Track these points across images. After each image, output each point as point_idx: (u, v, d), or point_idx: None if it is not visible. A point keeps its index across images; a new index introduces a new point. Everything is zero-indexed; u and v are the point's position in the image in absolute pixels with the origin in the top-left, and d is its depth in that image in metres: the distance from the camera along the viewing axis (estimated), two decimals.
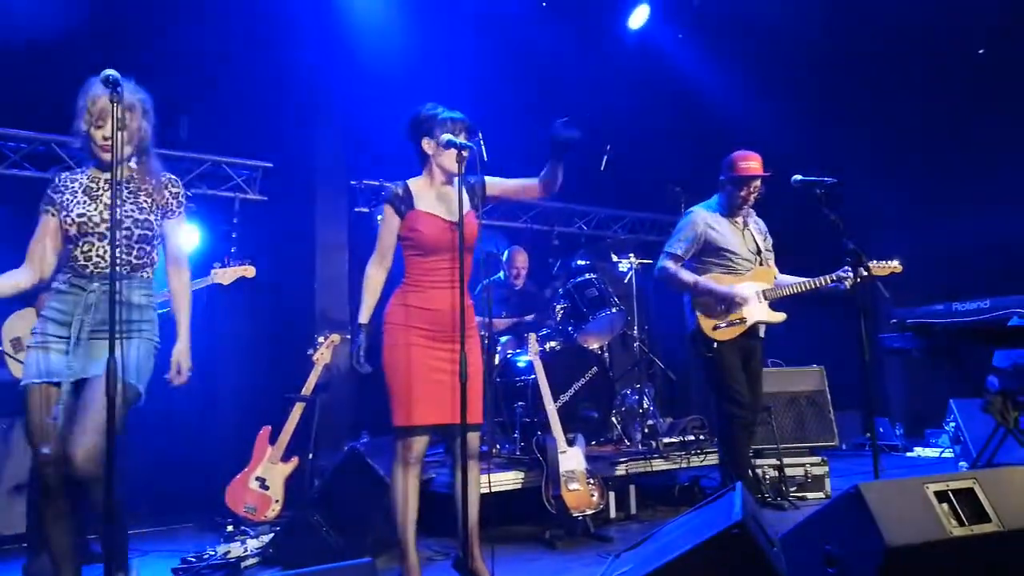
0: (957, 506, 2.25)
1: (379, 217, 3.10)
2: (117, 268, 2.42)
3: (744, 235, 4.21)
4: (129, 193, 2.69)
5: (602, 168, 6.63)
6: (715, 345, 4.03)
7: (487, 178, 3.12)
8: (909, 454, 6.96)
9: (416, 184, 3.06)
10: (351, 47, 5.87)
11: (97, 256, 2.65)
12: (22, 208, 3.04)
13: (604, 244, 6.81)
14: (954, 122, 7.12)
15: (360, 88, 5.95)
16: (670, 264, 4.14)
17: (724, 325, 4.05)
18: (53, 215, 2.70)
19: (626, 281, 5.96)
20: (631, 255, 5.97)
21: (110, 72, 2.31)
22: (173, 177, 2.86)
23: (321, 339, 4.78)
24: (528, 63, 6.85)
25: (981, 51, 7.05)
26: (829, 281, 4.04)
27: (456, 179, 2.94)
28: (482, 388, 3.13)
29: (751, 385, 4.12)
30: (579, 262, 7.15)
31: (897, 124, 7.32)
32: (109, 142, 2.48)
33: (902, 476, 2.58)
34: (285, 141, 5.74)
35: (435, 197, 3.05)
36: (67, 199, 2.68)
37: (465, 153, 2.83)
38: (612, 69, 7.48)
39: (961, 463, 5.39)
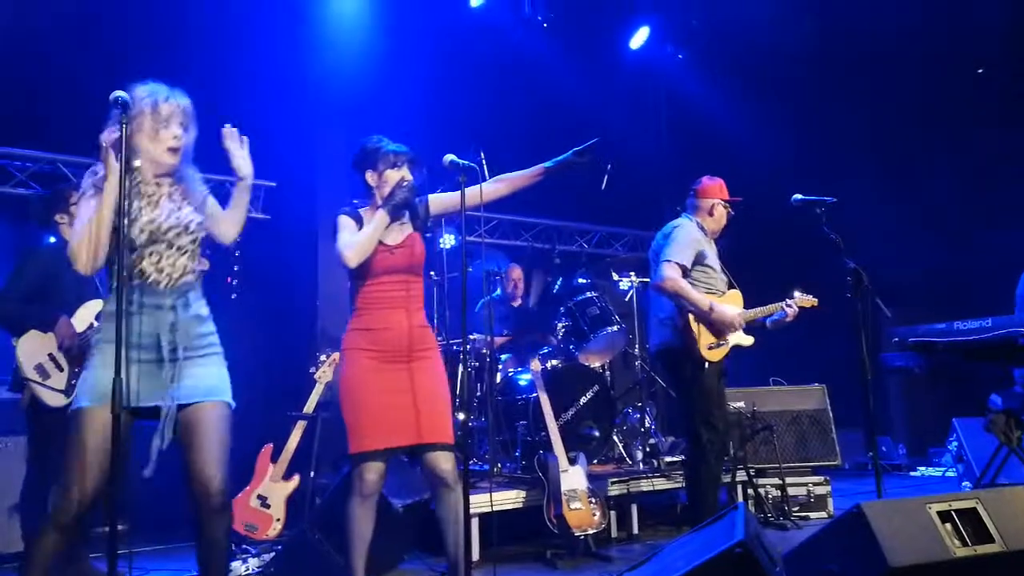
0: (960, 526, 2.25)
1: (340, 218, 2.98)
2: (185, 277, 2.41)
3: (715, 256, 4.15)
4: (181, 195, 2.54)
5: (602, 187, 6.67)
6: (706, 366, 3.89)
7: (430, 196, 3.10)
8: (912, 473, 6.93)
9: (364, 213, 3.03)
10: (352, 67, 5.92)
11: (169, 266, 2.41)
12: (28, 227, 3.01)
13: (605, 262, 6.82)
14: (951, 139, 7.16)
15: (361, 107, 6.00)
16: (675, 274, 3.88)
17: (716, 346, 3.94)
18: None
19: (627, 299, 5.97)
20: (632, 273, 5.98)
21: (120, 94, 2.28)
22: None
23: (323, 357, 4.78)
24: (529, 82, 6.91)
25: (980, 70, 7.11)
26: (775, 310, 4.03)
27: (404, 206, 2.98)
28: (448, 407, 3.00)
29: (722, 405, 4.04)
30: (580, 280, 7.19)
31: (894, 141, 7.36)
32: (179, 142, 2.47)
33: (904, 496, 2.58)
34: (287, 160, 5.79)
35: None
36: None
37: (463, 178, 2.84)
38: (612, 88, 7.54)
39: (964, 483, 5.37)
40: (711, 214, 4.10)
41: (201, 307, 2.50)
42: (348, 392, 2.91)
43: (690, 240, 3.97)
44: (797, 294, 4.08)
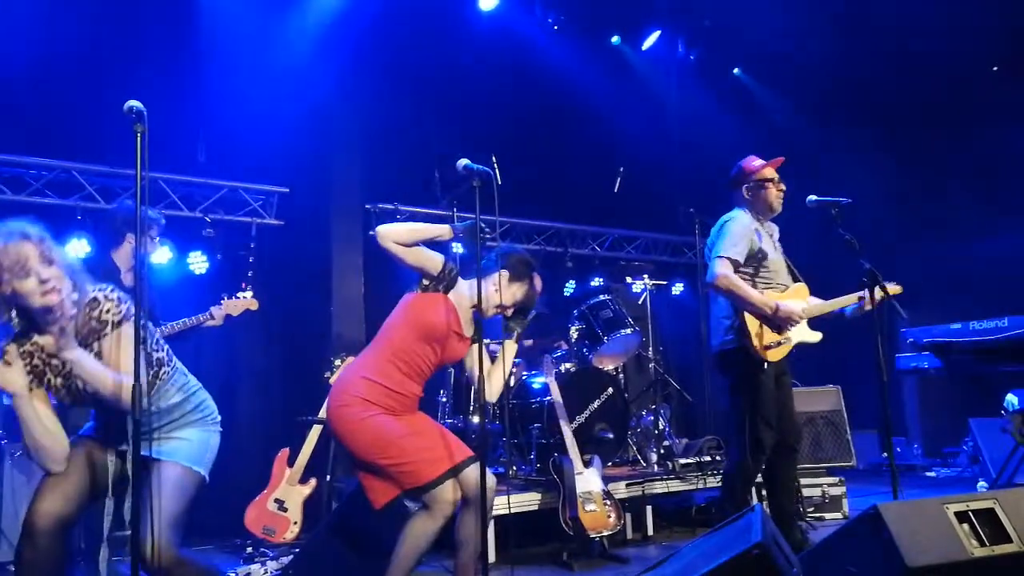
0: (978, 526, 2.24)
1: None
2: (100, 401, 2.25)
3: (776, 247, 3.91)
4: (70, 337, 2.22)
5: (615, 189, 6.68)
6: (765, 366, 3.68)
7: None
8: (927, 474, 6.89)
9: (460, 280, 2.96)
10: (365, 72, 5.96)
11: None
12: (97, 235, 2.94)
13: (618, 265, 6.83)
14: (966, 138, 7.13)
15: (374, 113, 6.03)
16: (728, 271, 3.66)
17: (775, 345, 3.71)
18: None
19: (640, 302, 5.97)
20: (645, 276, 5.98)
21: (134, 103, 2.29)
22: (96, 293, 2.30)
23: (338, 362, 4.81)
24: (541, 86, 6.93)
25: (995, 68, 7.07)
26: (850, 301, 3.81)
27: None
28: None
29: (786, 404, 3.83)
30: (593, 283, 7.19)
31: (907, 140, 7.33)
32: (49, 285, 2.14)
33: (921, 496, 2.57)
34: (301, 166, 5.83)
35: (466, 301, 2.94)
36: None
37: (477, 182, 2.81)
38: (625, 90, 7.55)
39: (980, 483, 5.34)
40: (754, 196, 3.87)
41: (162, 401, 2.38)
42: (383, 437, 2.75)
43: (742, 232, 3.73)
44: (890, 284, 3.77)
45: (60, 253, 2.25)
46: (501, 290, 2.92)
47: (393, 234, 2.73)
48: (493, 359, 4.54)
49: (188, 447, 2.42)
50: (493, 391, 2.98)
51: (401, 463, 2.74)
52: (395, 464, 2.74)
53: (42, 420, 2.23)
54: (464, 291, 2.94)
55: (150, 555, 2.23)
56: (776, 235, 4.02)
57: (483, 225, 2.82)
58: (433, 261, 2.85)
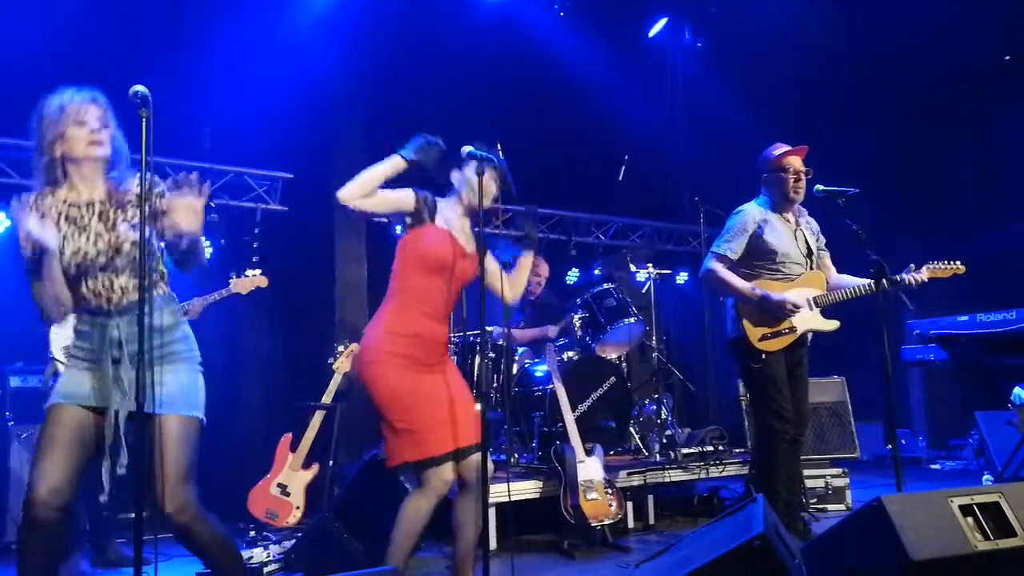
0: (982, 520, 2.23)
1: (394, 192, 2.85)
2: (128, 296, 2.31)
3: (796, 235, 3.89)
4: (116, 210, 2.38)
5: (620, 178, 6.65)
6: (763, 357, 3.72)
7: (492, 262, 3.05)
8: (932, 466, 6.88)
9: (441, 202, 2.95)
10: (369, 59, 5.93)
11: (105, 290, 2.33)
12: None
13: (622, 254, 6.81)
14: (971, 129, 7.07)
15: (378, 99, 6.01)
16: (717, 266, 3.80)
17: (772, 335, 3.74)
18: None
19: (644, 291, 5.95)
20: (649, 265, 5.95)
21: (139, 88, 2.27)
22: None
23: (341, 348, 4.81)
24: (546, 73, 6.89)
25: (1008, 57, 6.99)
26: (862, 292, 3.75)
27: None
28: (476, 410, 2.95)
29: (797, 395, 3.81)
30: (597, 272, 7.17)
31: (912, 131, 7.27)
32: (100, 135, 2.32)
33: (925, 489, 2.56)
34: (305, 152, 5.81)
35: (455, 219, 2.93)
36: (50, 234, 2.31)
37: (485, 176, 2.79)
38: (630, 78, 7.50)
39: (986, 476, 5.33)
40: (770, 184, 3.87)
41: (162, 316, 2.37)
42: (398, 399, 2.75)
43: (740, 228, 3.80)
44: (938, 264, 3.80)
45: (118, 133, 2.42)
46: (480, 189, 2.83)
47: (350, 192, 2.74)
48: (497, 345, 4.47)
49: (184, 395, 2.38)
50: (516, 293, 3.07)
51: (410, 429, 2.74)
52: (404, 428, 2.74)
53: (60, 278, 2.31)
54: (449, 211, 2.92)
55: (166, 506, 2.27)
56: (804, 224, 3.96)
57: (427, 136, 2.82)
58: (403, 200, 2.83)
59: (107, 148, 2.37)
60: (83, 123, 2.33)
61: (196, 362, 2.47)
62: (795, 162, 3.84)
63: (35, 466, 2.25)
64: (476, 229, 2.92)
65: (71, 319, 2.44)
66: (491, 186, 2.93)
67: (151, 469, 2.27)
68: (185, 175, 2.32)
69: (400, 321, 2.82)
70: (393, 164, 2.80)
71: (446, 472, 2.76)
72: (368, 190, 2.75)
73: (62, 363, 3.59)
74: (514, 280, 3.07)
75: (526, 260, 3.11)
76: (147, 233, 2.24)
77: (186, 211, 2.25)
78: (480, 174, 2.80)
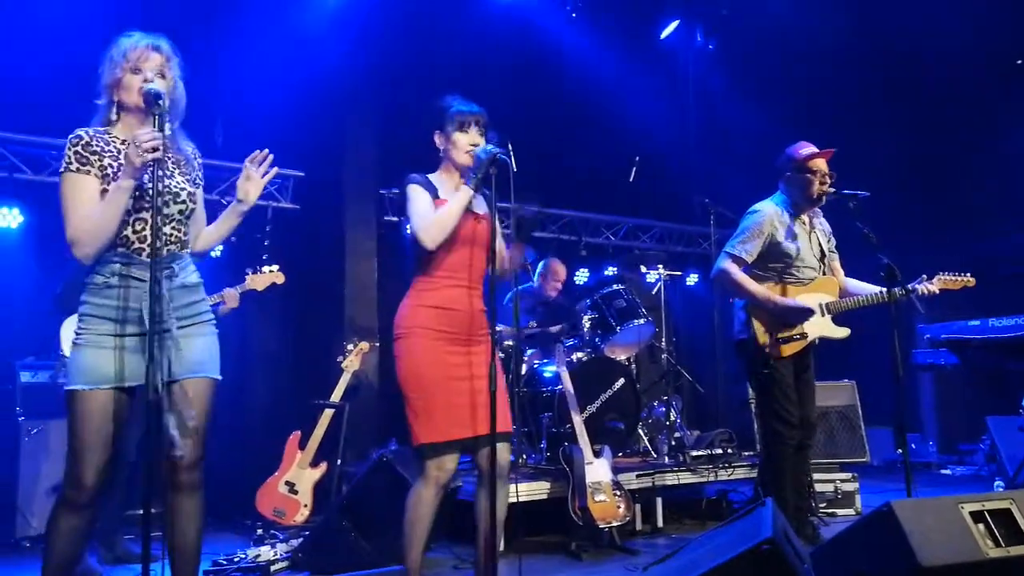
0: (993, 527, 2.21)
1: (411, 188, 2.82)
2: (172, 247, 2.34)
3: (811, 238, 3.83)
4: (174, 163, 2.42)
5: (631, 178, 6.63)
6: (771, 362, 3.66)
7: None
8: (942, 471, 6.84)
9: (434, 177, 2.91)
10: (380, 58, 5.94)
11: (148, 235, 2.28)
12: None
13: (632, 255, 6.80)
14: (982, 134, 7.02)
15: (389, 98, 6.01)
16: (731, 267, 3.70)
17: (783, 340, 3.67)
18: (97, 177, 2.28)
19: (655, 292, 5.94)
20: (660, 266, 5.94)
21: (151, 86, 2.26)
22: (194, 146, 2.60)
23: (350, 346, 4.83)
24: (558, 73, 6.89)
25: (1020, 61, 6.95)
26: (872, 301, 3.70)
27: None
28: (506, 396, 2.88)
29: (803, 399, 3.76)
30: (607, 272, 7.16)
31: (923, 136, 7.22)
32: (152, 86, 2.29)
33: (935, 494, 2.53)
34: (316, 151, 5.82)
35: (454, 189, 2.87)
36: (109, 163, 2.29)
37: (493, 170, 2.73)
38: (642, 79, 7.49)
39: (997, 482, 5.29)
40: (793, 184, 3.77)
41: (189, 276, 2.42)
42: (417, 376, 2.73)
43: (756, 229, 3.70)
44: (946, 276, 3.77)
45: (179, 83, 2.44)
46: (455, 146, 2.84)
47: (437, 236, 2.71)
48: (506, 345, 4.49)
49: (207, 359, 2.41)
50: (511, 267, 3.09)
51: (421, 409, 2.72)
52: (418, 405, 2.72)
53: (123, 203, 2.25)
54: (445, 181, 2.89)
55: (190, 454, 2.31)
56: (818, 226, 3.91)
57: (495, 151, 2.75)
58: (432, 204, 2.80)
59: None
60: (139, 71, 2.33)
61: (215, 325, 2.52)
62: (822, 164, 3.74)
63: (71, 457, 2.23)
64: (468, 184, 2.82)
65: (95, 278, 2.32)
66: (459, 138, 2.86)
67: (162, 431, 2.26)
68: (259, 151, 2.54)
69: (427, 294, 2.80)
70: (467, 196, 2.78)
71: (447, 460, 2.71)
72: (450, 228, 2.74)
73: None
74: (513, 255, 3.04)
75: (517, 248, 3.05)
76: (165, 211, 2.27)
77: (255, 183, 2.51)
78: (492, 174, 2.75)
